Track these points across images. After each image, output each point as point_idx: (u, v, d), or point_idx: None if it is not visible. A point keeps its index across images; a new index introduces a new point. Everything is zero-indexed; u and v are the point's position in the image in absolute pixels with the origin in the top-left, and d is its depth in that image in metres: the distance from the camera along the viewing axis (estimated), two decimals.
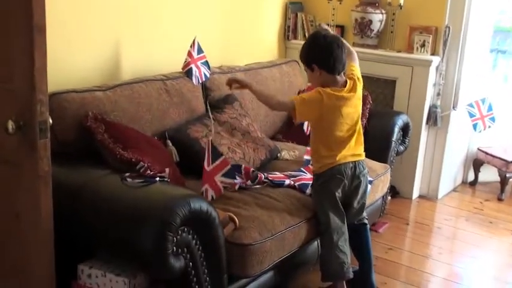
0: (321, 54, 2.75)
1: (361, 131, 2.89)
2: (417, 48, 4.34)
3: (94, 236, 2.27)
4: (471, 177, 5.06)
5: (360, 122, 2.87)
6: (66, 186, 2.33)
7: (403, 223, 4.09)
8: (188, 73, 3.31)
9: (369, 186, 2.98)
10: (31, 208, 2.12)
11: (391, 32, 4.50)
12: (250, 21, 4.32)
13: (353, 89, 2.79)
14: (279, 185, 2.99)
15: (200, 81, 3.37)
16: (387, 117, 3.91)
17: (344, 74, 2.82)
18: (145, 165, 2.41)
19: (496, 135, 4.86)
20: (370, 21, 4.43)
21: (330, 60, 2.73)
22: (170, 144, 2.98)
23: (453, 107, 4.44)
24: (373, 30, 4.46)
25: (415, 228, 4.04)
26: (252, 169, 3.05)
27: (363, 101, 3.72)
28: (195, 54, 3.37)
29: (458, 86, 4.42)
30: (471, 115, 4.35)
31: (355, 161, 2.84)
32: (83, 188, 2.33)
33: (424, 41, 4.29)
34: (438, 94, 4.40)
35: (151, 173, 2.38)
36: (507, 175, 4.67)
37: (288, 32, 4.78)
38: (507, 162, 4.65)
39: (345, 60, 2.78)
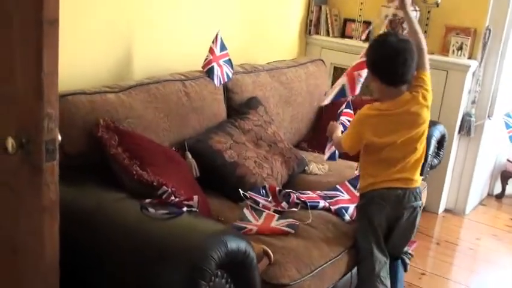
0: (377, 58, 2.40)
1: (423, 154, 2.50)
2: (453, 51, 3.96)
3: (104, 276, 1.88)
4: (497, 189, 4.72)
5: (422, 142, 2.48)
6: (72, 210, 1.92)
7: (432, 242, 3.73)
8: (209, 72, 2.92)
9: (417, 220, 2.59)
10: (32, 244, 1.72)
11: (425, 31, 4.11)
12: (271, 14, 3.91)
13: (408, 104, 2.39)
14: (313, 207, 2.60)
15: (222, 82, 2.98)
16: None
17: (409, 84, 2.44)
18: (169, 190, 2.01)
19: None
20: (403, 19, 4.02)
21: (385, 68, 2.37)
22: (190, 156, 2.59)
23: (488, 116, 4.08)
24: (405, 29, 4.06)
25: (446, 249, 3.68)
26: (278, 188, 2.67)
27: None
28: (217, 51, 2.98)
29: (495, 94, 4.06)
30: (508, 126, 4.01)
31: (405, 188, 2.45)
32: (94, 214, 1.94)
33: (462, 43, 3.91)
34: (473, 102, 4.03)
35: (177, 199, 1.99)
36: None
37: (310, 26, 4.39)
38: None
39: (405, 73, 2.37)
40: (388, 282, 2.50)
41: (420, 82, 2.45)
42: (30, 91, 1.58)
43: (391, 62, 2.34)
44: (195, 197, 2.02)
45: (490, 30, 3.88)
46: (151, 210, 1.88)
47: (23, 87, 1.61)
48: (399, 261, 2.64)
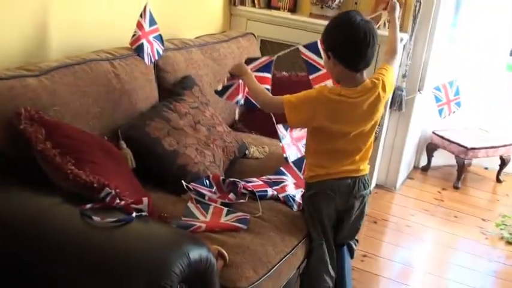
0: (343, 42, 2.16)
1: (371, 144, 2.35)
2: (384, 23, 3.84)
3: None
4: (423, 161, 4.74)
5: (372, 135, 2.32)
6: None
7: (369, 221, 3.65)
8: (138, 50, 2.61)
9: (366, 208, 2.45)
10: None
11: (355, 3, 3.98)
12: None
13: (369, 92, 2.21)
14: (262, 197, 2.41)
15: (153, 60, 2.68)
16: None
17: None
18: (113, 191, 1.74)
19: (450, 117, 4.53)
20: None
21: (352, 54, 2.15)
22: (125, 146, 2.31)
23: (419, 90, 4.03)
24: (335, 0, 3.92)
25: (383, 228, 3.64)
26: (221, 177, 2.45)
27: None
28: (146, 26, 2.66)
29: (425, 67, 4.01)
30: (437, 99, 3.94)
31: (355, 177, 2.31)
32: (27, 226, 1.64)
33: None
34: (404, 76, 3.96)
35: (122, 202, 1.72)
36: (465, 162, 4.37)
37: None
38: (466, 149, 4.35)
39: (370, 58, 2.17)
40: (333, 272, 2.37)
41: (382, 72, 2.30)
42: None
43: (358, 45, 2.12)
44: (145, 199, 1.76)
45: (420, 2, 3.80)
46: (95, 218, 1.61)
47: None
48: (344, 248, 2.51)
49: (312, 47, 2.54)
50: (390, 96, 3.73)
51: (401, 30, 3.81)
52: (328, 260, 2.35)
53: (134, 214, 1.66)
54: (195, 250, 1.57)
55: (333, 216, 2.36)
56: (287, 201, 2.45)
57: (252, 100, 2.46)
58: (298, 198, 2.49)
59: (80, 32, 2.67)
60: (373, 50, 2.15)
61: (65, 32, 2.58)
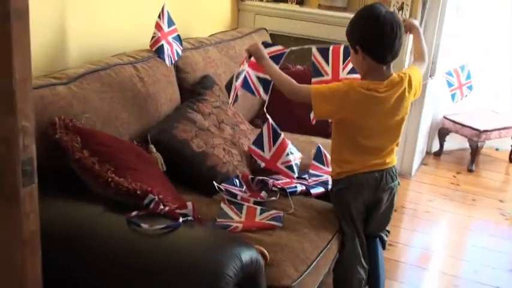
0: (371, 35, 2.15)
1: (399, 139, 2.34)
2: (394, 10, 3.84)
3: None
4: (435, 147, 4.75)
5: (400, 132, 2.32)
6: (47, 234, 1.60)
7: None
8: (159, 52, 2.62)
9: (395, 199, 2.45)
10: (12, 286, 1.41)
11: None
12: None
13: (396, 86, 2.21)
14: (292, 193, 2.42)
15: (173, 61, 2.68)
16: None
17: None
18: (156, 197, 1.74)
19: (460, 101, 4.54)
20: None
21: (380, 45, 2.14)
22: (154, 150, 2.31)
23: (430, 76, 4.03)
24: None
25: (402, 215, 3.64)
26: (250, 176, 2.46)
27: None
28: (165, 27, 2.67)
29: (436, 53, 4.01)
30: (450, 84, 3.93)
31: (382, 170, 2.31)
32: (75, 238, 1.64)
33: (403, 3, 3.81)
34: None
35: (167, 208, 1.72)
36: (479, 145, 4.38)
37: None
38: (479, 132, 4.36)
39: (398, 49, 2.17)
40: (366, 264, 2.39)
41: (410, 69, 2.34)
42: None
43: (385, 37, 2.12)
44: (189, 204, 1.76)
45: None
46: (143, 225, 1.61)
47: None
48: (377, 240, 2.52)
49: (323, 52, 2.51)
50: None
51: (410, 17, 3.83)
52: (360, 252, 2.36)
53: (181, 219, 1.66)
54: (246, 252, 1.57)
55: (362, 210, 2.36)
56: (309, 188, 2.48)
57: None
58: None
59: (98, 36, 2.66)
60: (400, 41, 2.15)
61: (84, 38, 2.58)
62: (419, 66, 2.45)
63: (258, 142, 2.44)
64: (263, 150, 2.42)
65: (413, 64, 2.49)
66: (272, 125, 2.38)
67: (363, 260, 2.37)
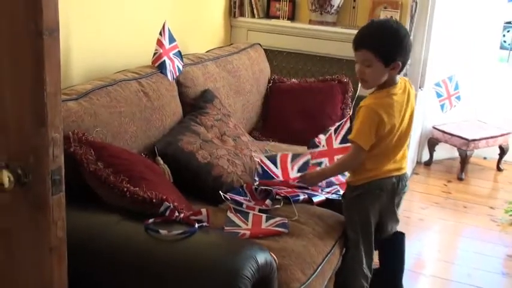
0: (407, 51, 2.25)
1: (408, 142, 2.45)
2: None
3: None
4: (425, 156, 4.86)
5: (410, 133, 2.43)
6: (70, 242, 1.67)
7: None
8: (161, 67, 2.71)
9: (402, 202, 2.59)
10: None
11: (353, 7, 4.09)
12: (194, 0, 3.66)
13: (404, 88, 2.34)
14: (295, 201, 2.50)
15: (175, 77, 2.78)
16: None
17: None
18: (171, 205, 1.81)
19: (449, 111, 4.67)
20: None
21: (408, 57, 2.28)
22: (161, 161, 2.38)
23: (420, 87, 4.15)
24: (333, 6, 4.03)
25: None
26: (253, 185, 2.54)
27: (343, 88, 3.38)
28: (166, 43, 2.77)
29: (425, 65, 4.13)
30: (438, 95, 4.09)
31: (398, 176, 2.42)
32: (96, 245, 1.70)
33: (391, 17, 3.93)
34: (405, 74, 4.07)
35: (182, 215, 1.79)
36: (468, 154, 4.50)
37: (234, 8, 4.21)
38: (468, 141, 4.48)
39: None
40: (369, 272, 2.45)
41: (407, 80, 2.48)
42: (29, 115, 1.33)
43: (409, 49, 2.28)
44: (203, 210, 1.84)
45: (416, 2, 3.91)
46: (162, 231, 1.68)
47: (16, 110, 1.35)
48: (398, 235, 2.62)
49: (271, 159, 2.56)
50: None
51: None
52: (364, 260, 2.42)
53: (196, 225, 1.73)
54: (261, 254, 1.65)
55: (377, 215, 2.44)
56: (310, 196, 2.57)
57: None
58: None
59: (102, 54, 2.75)
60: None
61: (88, 56, 2.66)
62: None
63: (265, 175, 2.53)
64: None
65: None
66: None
67: (365, 267, 2.43)
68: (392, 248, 2.61)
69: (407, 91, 2.36)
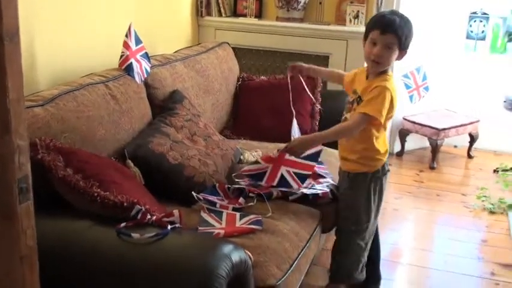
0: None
1: None
2: (350, 19, 4.01)
3: None
4: (397, 147, 4.91)
5: None
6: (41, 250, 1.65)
7: None
8: (128, 70, 2.69)
9: None
10: None
11: (320, 3, 4.12)
12: (160, 1, 3.64)
13: None
14: (268, 198, 2.50)
15: (143, 79, 2.76)
16: (341, 98, 3.52)
17: None
18: (143, 208, 1.80)
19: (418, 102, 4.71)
20: None
21: None
22: (132, 164, 2.36)
23: None
24: (300, 2, 4.06)
25: None
26: (226, 185, 2.54)
27: (312, 84, 3.40)
28: (132, 45, 2.75)
29: None
30: (407, 86, 4.12)
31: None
32: (69, 252, 1.68)
33: (358, 11, 3.97)
34: None
35: (154, 218, 1.78)
36: (438, 143, 4.55)
37: (201, 7, 4.21)
38: (438, 130, 4.54)
39: None
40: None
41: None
42: None
43: None
44: (175, 212, 1.83)
45: None
46: (134, 235, 1.67)
47: None
48: None
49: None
50: None
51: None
52: (369, 240, 2.59)
53: (169, 227, 1.72)
54: (235, 252, 1.65)
55: None
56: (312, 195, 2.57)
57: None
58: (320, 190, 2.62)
59: (67, 58, 2.72)
60: None
61: (53, 60, 2.64)
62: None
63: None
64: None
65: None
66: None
67: (368, 246, 2.60)
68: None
69: None
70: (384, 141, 2.48)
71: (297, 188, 2.54)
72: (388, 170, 2.55)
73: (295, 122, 2.77)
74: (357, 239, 2.55)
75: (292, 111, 2.71)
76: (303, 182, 2.53)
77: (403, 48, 2.35)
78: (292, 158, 2.44)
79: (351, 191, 2.53)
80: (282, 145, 3.02)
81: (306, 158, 2.46)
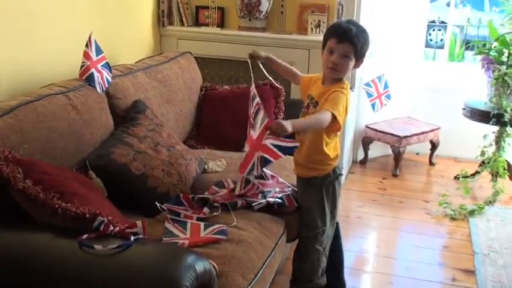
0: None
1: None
2: (312, 29, 4.04)
3: None
4: (360, 155, 4.96)
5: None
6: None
7: None
8: (89, 80, 2.66)
9: None
10: None
11: (281, 12, 4.14)
12: (120, 10, 3.61)
13: None
14: (233, 207, 2.49)
15: (104, 89, 2.73)
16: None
17: None
18: (105, 219, 1.77)
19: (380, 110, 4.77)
20: (259, 2, 4.02)
21: None
22: (94, 175, 2.33)
23: (351, 88, 4.22)
24: (261, 12, 4.07)
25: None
26: (191, 195, 2.52)
27: (275, 93, 3.41)
28: (93, 55, 2.72)
29: None
30: (369, 95, 4.17)
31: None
32: (28, 266, 1.64)
33: (319, 20, 4.01)
34: None
35: (117, 229, 1.76)
36: (400, 150, 4.62)
37: (162, 17, 4.19)
38: (400, 138, 4.60)
39: None
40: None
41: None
42: None
43: None
44: (139, 223, 1.80)
45: (342, 5, 3.99)
46: (97, 247, 1.64)
47: None
48: (337, 224, 2.74)
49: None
50: None
51: None
52: (327, 243, 2.61)
53: (132, 238, 1.70)
54: (199, 262, 1.64)
55: None
56: (277, 203, 2.57)
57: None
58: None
59: (26, 69, 2.69)
60: None
61: (11, 70, 2.59)
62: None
63: None
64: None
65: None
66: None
67: (326, 250, 2.62)
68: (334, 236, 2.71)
69: None
70: (334, 146, 2.50)
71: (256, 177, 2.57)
72: (340, 174, 2.57)
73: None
74: (315, 244, 2.57)
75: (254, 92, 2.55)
76: (263, 167, 2.39)
77: (359, 57, 2.39)
78: (268, 141, 2.26)
79: (304, 195, 2.59)
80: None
81: (281, 148, 2.26)
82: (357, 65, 2.42)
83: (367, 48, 2.41)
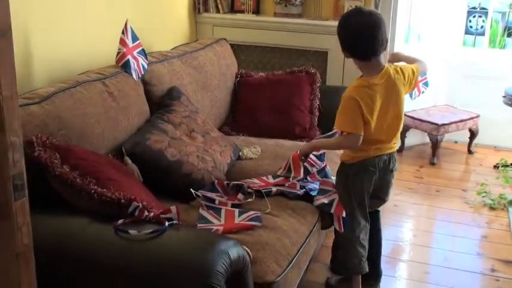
0: (350, 39, 2.34)
1: (402, 122, 2.49)
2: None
3: None
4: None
5: (402, 114, 2.47)
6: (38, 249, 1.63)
7: None
8: (125, 67, 2.68)
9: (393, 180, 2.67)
10: None
11: None
12: None
13: (389, 76, 2.38)
14: (267, 194, 2.49)
15: (140, 75, 2.74)
16: (340, 93, 3.50)
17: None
18: (140, 205, 1.79)
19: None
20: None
21: (359, 45, 2.32)
22: (130, 161, 2.35)
23: None
24: None
25: None
26: (225, 181, 2.53)
27: (311, 79, 3.37)
28: (129, 42, 2.74)
29: (391, 51, 4.14)
30: None
31: (390, 153, 2.52)
32: (67, 251, 1.67)
33: (356, 6, 3.93)
34: None
35: (152, 214, 1.77)
36: (438, 138, 4.54)
37: (198, 4, 4.19)
38: (438, 126, 4.52)
39: (382, 40, 2.31)
40: (366, 243, 2.59)
41: (401, 65, 2.51)
42: None
43: (357, 37, 2.32)
44: (173, 208, 1.81)
45: None
46: (132, 232, 1.65)
47: None
48: (377, 213, 2.76)
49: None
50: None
51: None
52: (360, 232, 2.54)
53: (167, 223, 1.71)
54: (233, 249, 1.63)
55: (371, 190, 2.53)
56: (289, 194, 2.54)
57: None
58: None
59: (63, 56, 2.71)
60: (375, 39, 2.29)
61: (49, 58, 2.62)
62: (420, 66, 2.63)
63: None
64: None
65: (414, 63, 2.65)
66: None
67: (361, 239, 2.56)
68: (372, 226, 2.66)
69: (393, 77, 2.39)
70: (365, 138, 2.37)
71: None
72: (374, 172, 2.48)
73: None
74: (346, 232, 2.54)
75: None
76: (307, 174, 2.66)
77: (347, 51, 2.37)
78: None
79: (336, 178, 2.61)
80: (281, 141, 3.08)
81: (316, 157, 2.66)
82: (356, 60, 2.38)
83: (345, 43, 2.37)
